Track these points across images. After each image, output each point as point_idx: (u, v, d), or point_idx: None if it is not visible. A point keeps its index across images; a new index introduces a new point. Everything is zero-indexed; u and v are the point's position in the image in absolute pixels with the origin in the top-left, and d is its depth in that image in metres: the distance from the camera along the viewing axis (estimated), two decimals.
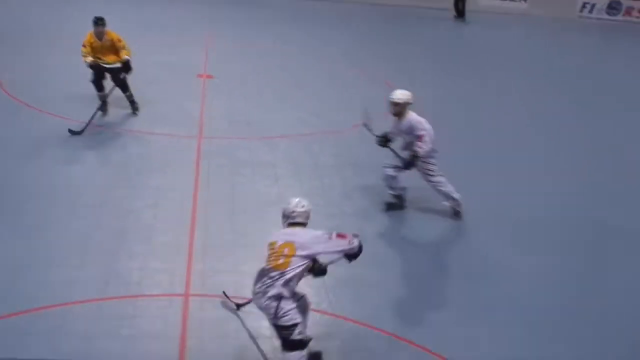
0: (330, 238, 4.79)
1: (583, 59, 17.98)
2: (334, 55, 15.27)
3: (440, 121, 8.32)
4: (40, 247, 6.28)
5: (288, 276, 4.66)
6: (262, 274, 4.78)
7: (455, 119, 10.94)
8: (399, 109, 7.42)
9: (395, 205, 7.78)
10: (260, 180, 8.14)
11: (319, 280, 5.34)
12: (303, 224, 4.94)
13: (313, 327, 5.24)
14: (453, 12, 21.65)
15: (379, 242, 7.01)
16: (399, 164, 7.52)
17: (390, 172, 7.58)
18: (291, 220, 4.93)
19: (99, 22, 9.43)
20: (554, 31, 21.84)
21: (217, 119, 10.16)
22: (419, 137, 7.27)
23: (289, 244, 4.72)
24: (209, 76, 12.42)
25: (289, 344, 4.69)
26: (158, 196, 7.48)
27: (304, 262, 4.73)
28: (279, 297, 4.64)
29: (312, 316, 5.22)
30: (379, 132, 7.64)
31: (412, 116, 7.42)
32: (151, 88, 11.27)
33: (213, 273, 6.11)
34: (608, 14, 26.72)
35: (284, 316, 4.64)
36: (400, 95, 7.43)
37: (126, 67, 9.57)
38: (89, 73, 9.53)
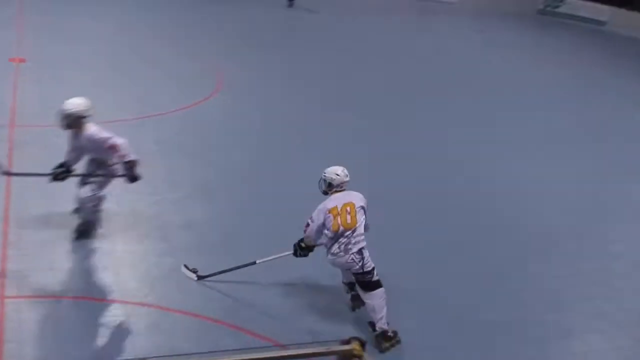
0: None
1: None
2: (151, 35, 14.95)
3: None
4: None
5: (360, 229, 5.55)
6: (335, 237, 5.54)
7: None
8: (71, 122, 6.34)
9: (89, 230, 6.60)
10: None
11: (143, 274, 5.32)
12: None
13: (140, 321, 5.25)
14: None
15: (208, 231, 7.01)
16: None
17: (99, 192, 6.44)
18: (339, 189, 5.76)
19: None
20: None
21: (31, 106, 9.62)
22: (112, 148, 6.24)
23: (348, 204, 5.61)
24: (22, 60, 11.73)
25: (372, 285, 5.54)
26: None
27: (364, 215, 5.64)
28: (361, 250, 5.51)
29: (137, 310, 5.24)
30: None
31: (91, 129, 6.37)
32: None
33: (29, 273, 5.83)
34: None
35: (367, 263, 5.52)
36: (73, 105, 6.36)
37: None
38: None
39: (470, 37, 20.63)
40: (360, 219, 5.61)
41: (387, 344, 5.50)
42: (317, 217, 5.67)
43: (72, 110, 6.27)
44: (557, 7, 28.38)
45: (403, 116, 11.75)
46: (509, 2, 28.59)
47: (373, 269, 5.54)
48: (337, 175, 5.77)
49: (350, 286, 5.94)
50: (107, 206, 6.70)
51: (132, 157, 6.09)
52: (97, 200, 6.46)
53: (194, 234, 6.84)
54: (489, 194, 8.86)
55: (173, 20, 17.34)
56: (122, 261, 6.30)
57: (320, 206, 5.70)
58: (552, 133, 11.94)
